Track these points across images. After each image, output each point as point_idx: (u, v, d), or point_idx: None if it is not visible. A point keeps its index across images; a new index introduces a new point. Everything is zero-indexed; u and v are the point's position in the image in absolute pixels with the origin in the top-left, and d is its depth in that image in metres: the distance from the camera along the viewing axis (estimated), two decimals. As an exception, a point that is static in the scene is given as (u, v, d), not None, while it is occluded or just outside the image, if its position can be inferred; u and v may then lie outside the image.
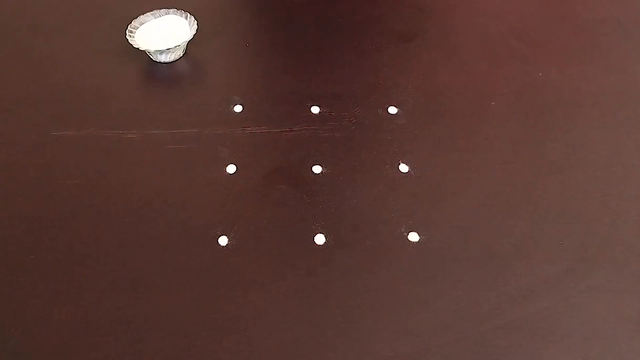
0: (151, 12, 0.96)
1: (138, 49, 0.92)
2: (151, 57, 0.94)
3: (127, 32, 0.93)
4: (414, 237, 0.72)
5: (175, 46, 0.91)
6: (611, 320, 0.65)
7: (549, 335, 0.64)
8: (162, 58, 0.93)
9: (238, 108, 0.87)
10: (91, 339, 0.64)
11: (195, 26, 0.95)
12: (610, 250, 0.71)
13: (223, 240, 0.72)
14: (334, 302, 0.67)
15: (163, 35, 0.93)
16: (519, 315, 0.65)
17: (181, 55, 0.95)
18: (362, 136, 0.83)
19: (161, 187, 0.78)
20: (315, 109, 0.86)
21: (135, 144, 0.83)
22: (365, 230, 0.73)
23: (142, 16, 0.96)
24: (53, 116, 0.87)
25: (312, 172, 0.79)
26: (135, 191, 0.77)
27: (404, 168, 0.79)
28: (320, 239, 0.72)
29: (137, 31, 0.94)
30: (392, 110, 0.87)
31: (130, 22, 0.94)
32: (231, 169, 0.79)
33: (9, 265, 0.70)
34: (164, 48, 0.91)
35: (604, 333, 0.64)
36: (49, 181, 0.79)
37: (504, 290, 0.67)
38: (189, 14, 0.96)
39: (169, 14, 0.96)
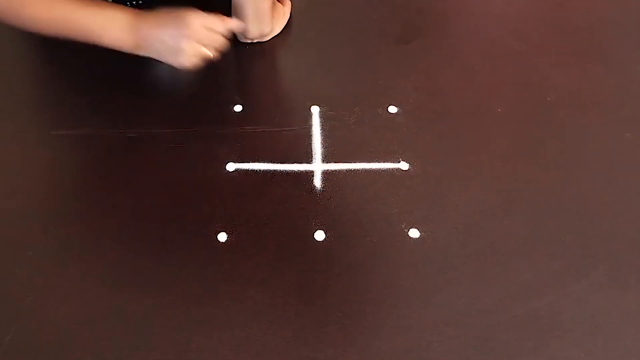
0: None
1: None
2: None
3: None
4: (414, 233, 0.71)
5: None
6: (614, 316, 0.64)
7: (551, 330, 0.63)
8: (163, 58, 0.93)
9: (238, 108, 0.87)
10: (89, 335, 0.64)
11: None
12: (612, 246, 0.71)
13: (222, 237, 0.71)
14: (334, 297, 0.66)
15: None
16: (521, 310, 0.65)
17: (182, 56, 0.95)
18: (362, 135, 0.83)
19: (161, 185, 0.77)
20: (315, 109, 0.86)
21: (135, 142, 0.83)
22: (366, 226, 0.72)
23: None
24: (53, 116, 0.87)
25: (313, 169, 0.79)
26: (134, 188, 0.77)
27: (404, 166, 0.79)
28: (320, 235, 0.71)
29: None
30: (392, 109, 0.87)
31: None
32: (231, 167, 0.79)
33: (6, 261, 0.70)
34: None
35: (607, 328, 0.63)
36: (48, 179, 0.79)
37: (506, 286, 0.67)
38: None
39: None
